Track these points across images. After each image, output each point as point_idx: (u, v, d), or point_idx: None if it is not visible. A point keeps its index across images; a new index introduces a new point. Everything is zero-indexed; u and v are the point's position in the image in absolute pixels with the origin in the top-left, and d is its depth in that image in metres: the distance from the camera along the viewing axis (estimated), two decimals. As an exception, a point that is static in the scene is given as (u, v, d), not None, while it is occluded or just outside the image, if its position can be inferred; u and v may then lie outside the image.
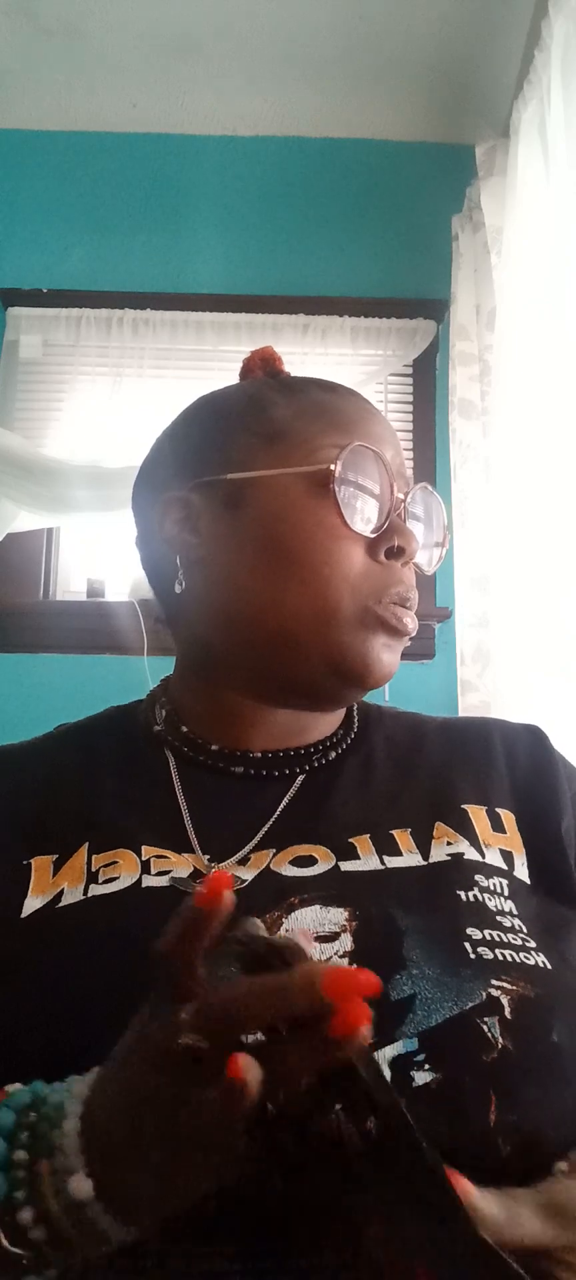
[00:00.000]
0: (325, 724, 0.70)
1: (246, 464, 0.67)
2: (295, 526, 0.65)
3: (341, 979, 0.34)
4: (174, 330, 2.26)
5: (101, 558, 2.28)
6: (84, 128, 2.34)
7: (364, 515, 0.65)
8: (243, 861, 0.59)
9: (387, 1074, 0.44)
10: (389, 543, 0.65)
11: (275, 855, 0.59)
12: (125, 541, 2.21)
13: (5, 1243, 0.38)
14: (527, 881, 0.60)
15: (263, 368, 0.79)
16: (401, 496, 0.66)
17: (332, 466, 0.63)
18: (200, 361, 2.25)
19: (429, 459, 2.21)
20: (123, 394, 2.22)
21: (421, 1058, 0.45)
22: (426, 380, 2.28)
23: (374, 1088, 0.36)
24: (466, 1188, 0.39)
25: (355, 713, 0.73)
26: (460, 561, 1.98)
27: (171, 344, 2.26)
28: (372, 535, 0.65)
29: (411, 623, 0.66)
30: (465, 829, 0.61)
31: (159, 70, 2.18)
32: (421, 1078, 0.45)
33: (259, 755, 0.67)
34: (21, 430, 2.19)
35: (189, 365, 2.26)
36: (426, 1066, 0.45)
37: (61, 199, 2.33)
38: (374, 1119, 0.37)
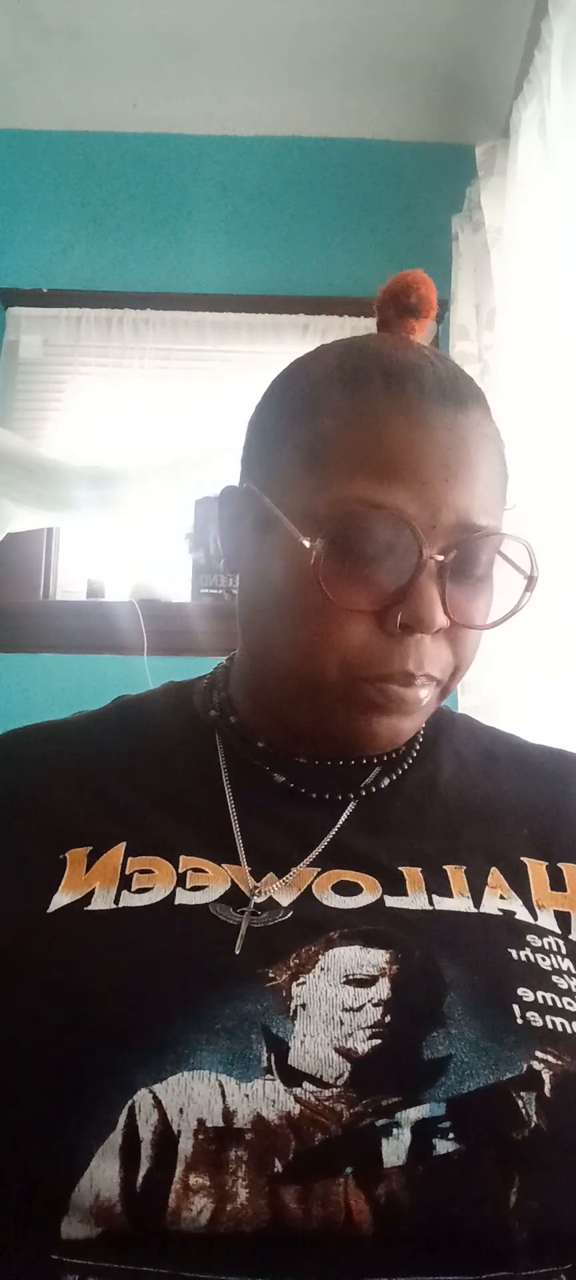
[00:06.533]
0: None
1: (282, 485, 0.59)
2: (294, 585, 0.57)
3: None
4: (174, 330, 2.26)
5: (101, 558, 2.27)
6: (84, 128, 2.34)
7: (369, 586, 0.55)
8: (284, 876, 0.57)
9: (408, 1138, 0.41)
10: (400, 615, 0.55)
11: (319, 876, 0.56)
12: (125, 541, 2.22)
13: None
14: None
15: (393, 302, 0.64)
16: (440, 558, 0.54)
17: (317, 543, 0.54)
18: (201, 362, 2.25)
19: (429, 459, 2.21)
20: (123, 394, 2.22)
21: (447, 1125, 0.42)
22: (426, 380, 2.28)
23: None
24: None
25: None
26: (460, 561, 1.98)
27: (172, 344, 2.25)
28: (375, 609, 0.56)
29: (415, 696, 0.57)
30: (520, 886, 0.57)
31: (159, 70, 2.18)
32: (443, 1146, 0.42)
33: (304, 762, 0.63)
34: (21, 430, 2.19)
35: (189, 365, 2.26)
36: (451, 1135, 0.42)
37: (61, 199, 2.33)
38: (384, 1187, 0.36)
